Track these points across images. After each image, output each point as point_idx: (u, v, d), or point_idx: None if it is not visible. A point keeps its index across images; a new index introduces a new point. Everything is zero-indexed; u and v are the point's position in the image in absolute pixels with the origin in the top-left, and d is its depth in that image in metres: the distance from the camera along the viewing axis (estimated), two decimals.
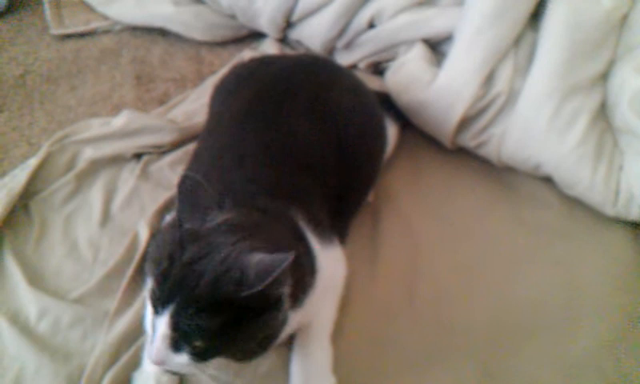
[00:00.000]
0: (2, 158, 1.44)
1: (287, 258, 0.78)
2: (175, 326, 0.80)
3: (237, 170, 1.09)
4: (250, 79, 1.28)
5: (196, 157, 1.21)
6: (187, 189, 0.88)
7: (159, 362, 0.82)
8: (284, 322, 0.90)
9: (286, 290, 0.85)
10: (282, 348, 1.05)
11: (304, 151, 1.15)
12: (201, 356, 0.82)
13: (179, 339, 0.81)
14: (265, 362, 1.04)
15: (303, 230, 1.02)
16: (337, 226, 1.16)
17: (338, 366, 1.04)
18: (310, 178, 1.13)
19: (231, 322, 0.80)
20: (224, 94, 1.30)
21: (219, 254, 0.82)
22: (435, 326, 1.14)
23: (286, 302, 0.86)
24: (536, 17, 1.37)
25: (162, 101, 1.63)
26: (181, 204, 0.87)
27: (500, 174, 1.43)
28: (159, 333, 0.81)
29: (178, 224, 0.86)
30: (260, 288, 0.77)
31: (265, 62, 1.38)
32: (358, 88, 1.32)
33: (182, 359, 0.82)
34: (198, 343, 0.80)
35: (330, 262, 1.08)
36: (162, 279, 0.81)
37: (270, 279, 0.77)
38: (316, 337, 1.06)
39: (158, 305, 0.81)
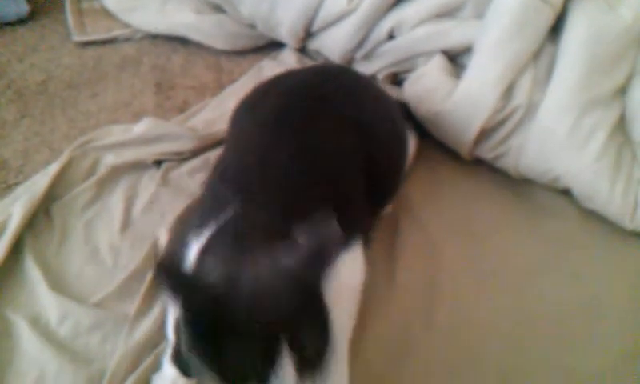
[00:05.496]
0: (23, 163, 1.45)
1: None
2: None
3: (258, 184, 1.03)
4: (272, 93, 1.26)
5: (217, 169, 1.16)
6: None
7: None
8: None
9: None
10: None
11: (332, 159, 1.13)
12: None
13: None
14: None
15: None
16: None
17: (354, 379, 1.01)
18: (332, 186, 1.10)
19: None
20: (246, 111, 1.29)
21: None
22: (452, 339, 1.13)
23: None
24: (556, 30, 1.37)
25: (182, 109, 1.64)
26: None
27: (518, 185, 1.43)
28: None
29: None
30: None
31: (285, 75, 1.37)
32: (380, 94, 1.33)
33: None
34: None
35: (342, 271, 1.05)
36: None
37: None
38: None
39: None
